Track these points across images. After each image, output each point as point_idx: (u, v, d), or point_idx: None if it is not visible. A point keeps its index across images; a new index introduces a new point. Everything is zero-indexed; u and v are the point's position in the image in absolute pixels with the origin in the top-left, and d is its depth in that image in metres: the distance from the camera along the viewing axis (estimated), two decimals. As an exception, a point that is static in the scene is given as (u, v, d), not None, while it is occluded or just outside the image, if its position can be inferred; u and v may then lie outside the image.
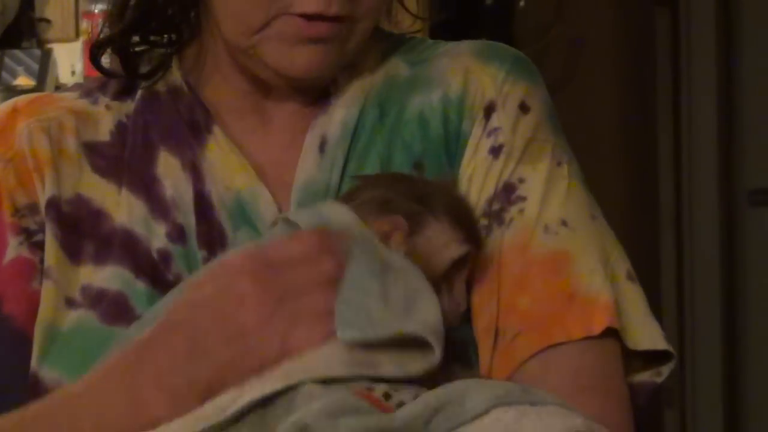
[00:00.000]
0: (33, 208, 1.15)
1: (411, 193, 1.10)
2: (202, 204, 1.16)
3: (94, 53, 1.21)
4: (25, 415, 1.05)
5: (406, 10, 1.27)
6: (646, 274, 1.10)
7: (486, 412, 0.92)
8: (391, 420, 0.91)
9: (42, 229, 1.14)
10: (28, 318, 1.13)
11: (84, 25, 3.01)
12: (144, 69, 1.22)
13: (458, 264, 1.09)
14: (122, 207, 1.16)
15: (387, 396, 0.93)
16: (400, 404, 0.93)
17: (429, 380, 0.96)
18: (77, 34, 3.12)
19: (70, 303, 1.13)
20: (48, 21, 3.18)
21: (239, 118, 1.21)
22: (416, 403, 0.92)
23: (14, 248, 1.14)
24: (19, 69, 3.06)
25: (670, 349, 1.13)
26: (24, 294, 1.13)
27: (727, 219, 3.73)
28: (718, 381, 3.69)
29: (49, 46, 3.16)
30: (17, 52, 3.09)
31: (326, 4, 1.10)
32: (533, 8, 3.43)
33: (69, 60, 3.11)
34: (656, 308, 1.16)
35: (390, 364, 0.96)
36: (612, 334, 1.09)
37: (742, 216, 3.73)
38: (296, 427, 0.89)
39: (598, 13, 3.56)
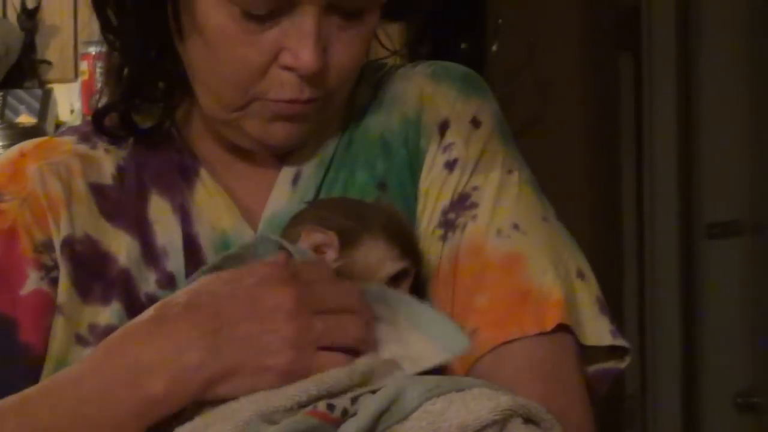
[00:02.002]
0: (49, 245, 1.15)
1: (348, 212, 1.11)
2: (191, 247, 1.17)
3: (97, 121, 1.21)
4: (28, 395, 1.04)
5: (383, 46, 1.26)
6: (610, 302, 1.18)
7: (418, 406, 0.93)
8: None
9: (56, 267, 1.14)
10: (43, 348, 1.13)
11: (82, 66, 3.02)
12: (140, 120, 1.21)
13: (397, 279, 1.10)
14: (121, 248, 1.17)
15: (330, 407, 0.93)
16: (344, 412, 0.93)
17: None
18: (76, 75, 3.14)
19: (79, 340, 1.13)
20: (49, 62, 3.23)
21: (223, 162, 1.22)
22: (363, 410, 0.93)
23: (34, 281, 1.13)
24: (21, 107, 3.09)
25: (620, 343, 1.14)
26: (42, 325, 1.13)
27: (686, 251, 3.75)
28: (677, 403, 3.71)
29: (50, 86, 3.20)
30: (19, 92, 3.13)
31: (299, 91, 1.11)
32: (505, 53, 3.45)
33: (68, 99, 3.14)
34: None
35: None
36: (564, 329, 1.11)
37: (700, 248, 3.73)
38: None
39: (565, 58, 3.59)
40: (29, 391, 1.04)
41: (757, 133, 3.54)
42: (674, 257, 3.75)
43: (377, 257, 1.10)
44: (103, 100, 1.22)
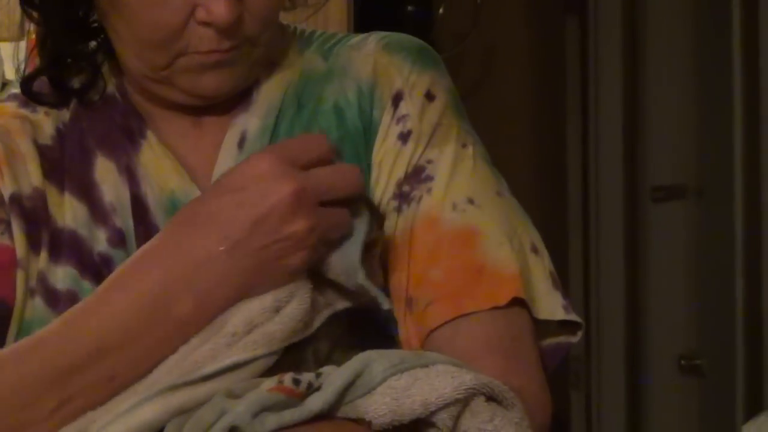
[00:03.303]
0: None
1: None
2: (139, 207, 1.16)
3: (25, 86, 1.20)
4: (44, 334, 1.04)
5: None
6: (555, 264, 1.18)
7: (383, 381, 0.94)
8: (309, 408, 0.92)
9: (10, 222, 1.14)
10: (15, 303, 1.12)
11: (30, 25, 2.82)
12: (75, 82, 1.21)
13: (366, 248, 1.09)
14: (66, 209, 1.16)
15: (296, 381, 0.94)
16: (309, 386, 0.94)
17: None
18: (23, 33, 2.98)
19: (31, 292, 1.13)
20: (-6, 21, 3.14)
21: (170, 123, 1.21)
22: (328, 384, 0.94)
23: None
24: (-35, 66, 2.97)
25: (572, 318, 1.16)
26: (10, 279, 1.13)
27: (630, 214, 3.76)
28: (622, 365, 3.75)
29: None
30: (-37, 50, 3.02)
31: (218, 42, 1.12)
32: (451, 16, 3.46)
33: (15, 58, 2.90)
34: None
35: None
36: (519, 303, 1.12)
37: (645, 211, 3.75)
38: (225, 430, 0.90)
39: (511, 20, 3.61)
40: (45, 330, 1.04)
41: (703, 97, 3.56)
42: (619, 220, 3.78)
43: None
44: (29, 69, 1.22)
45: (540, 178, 3.70)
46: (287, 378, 0.95)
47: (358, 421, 0.95)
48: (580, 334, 1.19)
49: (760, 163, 3.08)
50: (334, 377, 0.95)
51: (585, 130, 3.85)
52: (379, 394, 0.94)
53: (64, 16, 1.18)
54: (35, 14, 1.19)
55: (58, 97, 1.21)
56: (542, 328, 1.16)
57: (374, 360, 0.96)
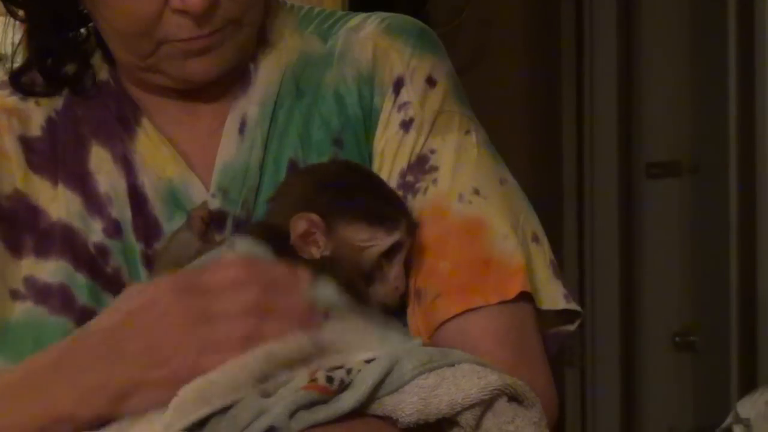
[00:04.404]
0: None
1: (331, 189, 1.10)
2: (136, 196, 1.16)
3: (14, 81, 1.20)
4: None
5: None
6: (550, 241, 1.18)
7: (411, 380, 0.95)
8: (341, 406, 0.94)
9: None
10: None
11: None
12: (69, 69, 1.20)
13: (389, 253, 1.10)
14: (59, 202, 1.15)
15: (330, 380, 0.95)
16: (342, 383, 0.95)
17: None
18: None
19: (14, 295, 1.12)
20: (-14, 0, 3.21)
21: (165, 110, 1.20)
22: (360, 382, 0.95)
23: None
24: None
25: (572, 307, 1.16)
26: None
27: (625, 190, 3.76)
28: (616, 342, 3.75)
29: None
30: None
31: (197, 28, 1.11)
32: None
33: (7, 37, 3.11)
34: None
35: None
36: (524, 296, 1.12)
37: (639, 187, 3.75)
38: (263, 430, 0.92)
39: None
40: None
41: (698, 74, 3.56)
42: (614, 197, 3.78)
43: (362, 238, 1.09)
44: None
45: (535, 155, 3.70)
46: (321, 376, 0.95)
47: (385, 419, 0.96)
48: (578, 322, 1.18)
49: (755, 139, 3.08)
50: (365, 375, 0.96)
51: (580, 106, 3.84)
52: (407, 393, 0.95)
53: (50, 7, 1.17)
54: (19, 11, 1.18)
55: (50, 87, 1.20)
56: (542, 316, 1.16)
57: (403, 357, 0.96)
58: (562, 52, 3.83)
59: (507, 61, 3.65)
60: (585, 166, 3.83)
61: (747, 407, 2.13)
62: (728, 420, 2.15)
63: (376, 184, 1.15)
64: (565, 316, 1.18)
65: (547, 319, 1.17)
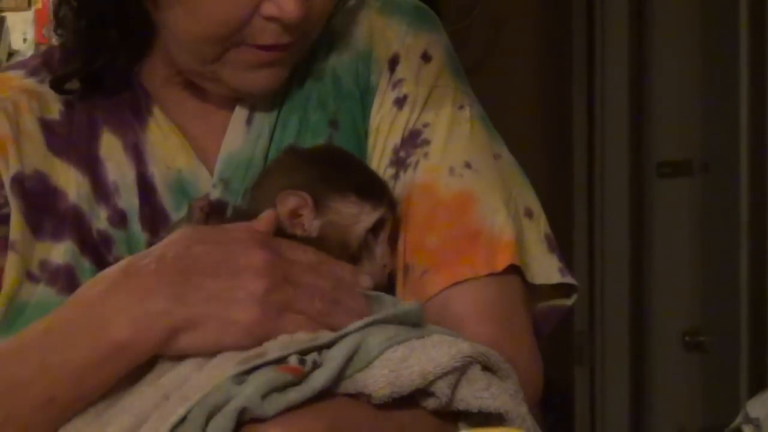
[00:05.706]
0: None
1: (317, 169, 1.11)
2: (145, 187, 1.16)
3: (56, 87, 1.18)
4: (0, 349, 1.05)
5: None
6: (560, 240, 1.18)
7: (380, 354, 0.95)
8: (312, 386, 0.93)
9: (7, 204, 1.13)
10: None
11: None
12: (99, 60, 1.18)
13: (375, 230, 1.10)
14: (72, 184, 1.16)
15: (302, 361, 0.94)
16: (314, 363, 0.94)
17: None
18: (30, 4, 3.10)
19: (30, 277, 1.13)
20: (2, -9, 3.14)
21: (177, 101, 1.20)
22: (327, 361, 0.94)
23: None
24: (-27, 36, 3.00)
25: (568, 281, 1.15)
26: None
27: (636, 189, 3.75)
28: (626, 341, 3.74)
29: (3, 14, 3.14)
30: (-29, 20, 3.03)
31: (280, 36, 1.10)
32: None
33: (22, 28, 3.09)
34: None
35: None
36: (514, 269, 1.12)
37: (650, 186, 3.75)
38: (236, 411, 0.91)
39: None
40: (2, 345, 1.05)
41: (709, 73, 3.56)
42: (624, 196, 3.77)
43: (351, 212, 1.09)
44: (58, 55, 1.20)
45: (546, 153, 3.70)
46: (293, 357, 0.95)
47: (358, 396, 0.95)
48: (575, 296, 1.18)
49: (766, 139, 3.08)
50: (333, 353, 0.95)
51: (591, 105, 3.82)
52: (377, 368, 0.95)
53: (112, 12, 1.15)
54: (74, 16, 1.16)
55: (86, 91, 1.19)
56: (538, 291, 1.16)
57: (370, 334, 0.96)
58: (573, 51, 3.82)
59: (518, 60, 3.65)
60: (596, 166, 3.81)
61: (756, 407, 2.12)
62: (737, 420, 2.14)
63: (357, 161, 1.15)
64: (562, 290, 1.17)
65: (542, 293, 1.17)
